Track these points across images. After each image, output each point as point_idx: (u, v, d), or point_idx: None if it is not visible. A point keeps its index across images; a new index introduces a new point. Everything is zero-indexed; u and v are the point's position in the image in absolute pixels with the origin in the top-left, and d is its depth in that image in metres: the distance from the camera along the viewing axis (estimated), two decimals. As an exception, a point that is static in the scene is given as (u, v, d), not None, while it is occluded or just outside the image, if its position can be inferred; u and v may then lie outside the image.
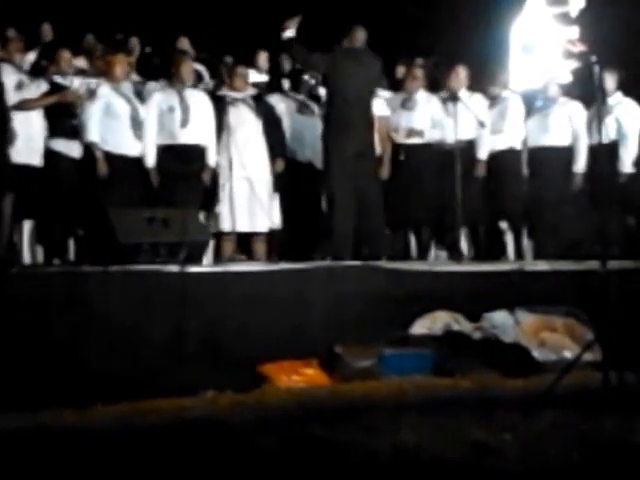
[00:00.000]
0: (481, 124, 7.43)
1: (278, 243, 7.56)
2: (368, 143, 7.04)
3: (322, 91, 7.78)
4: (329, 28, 7.25)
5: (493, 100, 7.75)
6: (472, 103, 7.55)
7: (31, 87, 6.88)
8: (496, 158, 7.65)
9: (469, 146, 7.48)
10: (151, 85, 7.56)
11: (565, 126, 7.64)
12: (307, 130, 7.65)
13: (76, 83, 7.09)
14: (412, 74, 7.87)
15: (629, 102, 7.66)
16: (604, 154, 7.06)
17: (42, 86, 6.91)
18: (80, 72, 7.48)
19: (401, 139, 7.65)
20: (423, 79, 7.87)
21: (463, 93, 7.64)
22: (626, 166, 7.56)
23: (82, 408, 4.51)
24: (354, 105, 6.89)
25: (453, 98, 7.42)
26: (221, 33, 9.28)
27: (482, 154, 7.60)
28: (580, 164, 7.59)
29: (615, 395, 4.15)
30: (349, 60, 7.02)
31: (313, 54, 7.05)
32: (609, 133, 7.39)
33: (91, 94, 6.91)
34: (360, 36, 7.09)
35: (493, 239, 7.80)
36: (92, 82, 7.10)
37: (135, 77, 7.91)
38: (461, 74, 7.72)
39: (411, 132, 7.63)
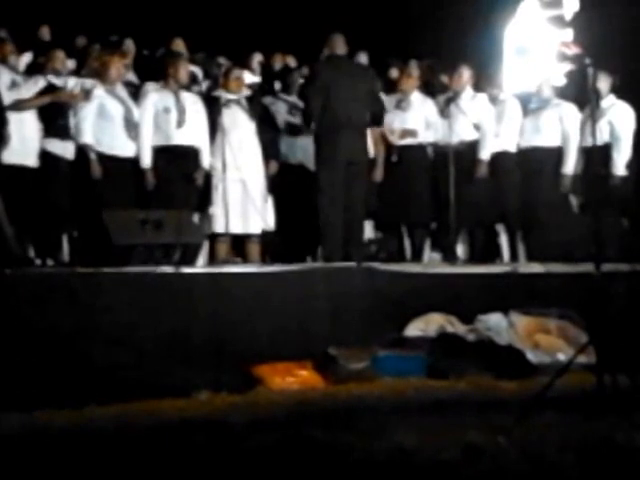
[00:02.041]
0: (476, 127, 7.44)
1: (271, 245, 7.56)
2: (360, 150, 7.01)
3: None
4: (328, 29, 7.24)
5: (491, 102, 7.74)
6: (476, 103, 7.58)
7: (25, 87, 6.86)
8: (491, 160, 7.65)
9: (466, 147, 7.48)
10: (147, 86, 7.55)
11: (556, 127, 7.65)
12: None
13: (71, 83, 7.08)
14: (407, 73, 7.89)
15: (622, 105, 7.65)
16: (597, 156, 7.07)
17: (37, 86, 6.90)
18: (74, 73, 7.47)
19: (396, 140, 7.66)
20: (418, 79, 7.88)
21: (467, 93, 7.64)
22: (619, 169, 7.57)
23: (77, 409, 4.51)
24: (343, 113, 6.85)
25: (449, 100, 7.44)
26: (215, 35, 9.28)
27: (484, 155, 7.56)
28: (569, 165, 7.61)
29: (609, 398, 4.15)
30: (332, 71, 6.98)
31: (312, 106, 6.96)
32: (602, 135, 7.39)
33: (86, 94, 6.89)
34: (339, 43, 7.08)
35: (488, 241, 7.80)
36: (87, 82, 7.09)
37: (132, 78, 7.90)
38: (464, 74, 7.68)
39: (405, 132, 7.64)
